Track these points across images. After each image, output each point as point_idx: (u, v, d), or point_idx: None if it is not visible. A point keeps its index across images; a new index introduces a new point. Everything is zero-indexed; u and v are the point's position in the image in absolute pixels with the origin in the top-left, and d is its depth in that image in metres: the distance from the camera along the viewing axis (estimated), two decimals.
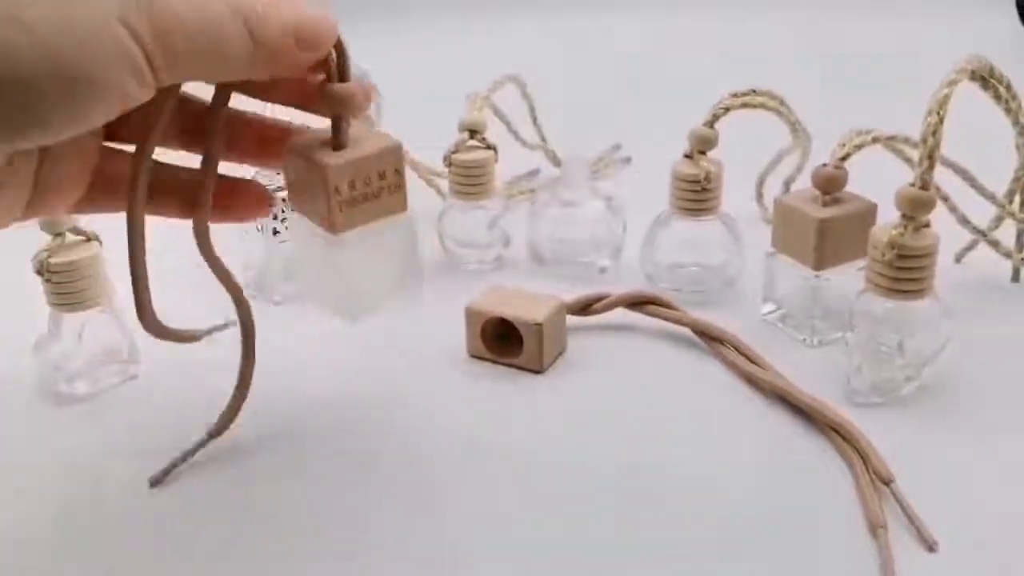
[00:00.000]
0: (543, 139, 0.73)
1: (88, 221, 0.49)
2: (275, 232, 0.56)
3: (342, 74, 0.37)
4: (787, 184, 0.66)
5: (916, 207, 0.44)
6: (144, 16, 0.30)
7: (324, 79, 0.37)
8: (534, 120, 0.71)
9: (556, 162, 0.73)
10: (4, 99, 0.29)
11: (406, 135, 0.67)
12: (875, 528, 0.39)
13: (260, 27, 0.33)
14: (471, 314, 0.51)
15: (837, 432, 0.44)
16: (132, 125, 0.37)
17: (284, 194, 0.53)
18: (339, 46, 0.36)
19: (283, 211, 0.56)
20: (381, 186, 0.40)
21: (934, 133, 0.43)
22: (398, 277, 0.43)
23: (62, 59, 0.29)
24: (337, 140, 0.38)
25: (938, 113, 0.43)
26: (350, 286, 0.42)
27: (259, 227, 0.57)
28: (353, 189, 0.39)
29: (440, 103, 0.68)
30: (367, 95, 0.37)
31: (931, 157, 0.43)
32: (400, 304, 0.44)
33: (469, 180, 0.60)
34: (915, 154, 0.51)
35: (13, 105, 0.29)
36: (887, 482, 0.40)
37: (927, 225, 0.45)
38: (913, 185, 0.44)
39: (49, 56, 0.29)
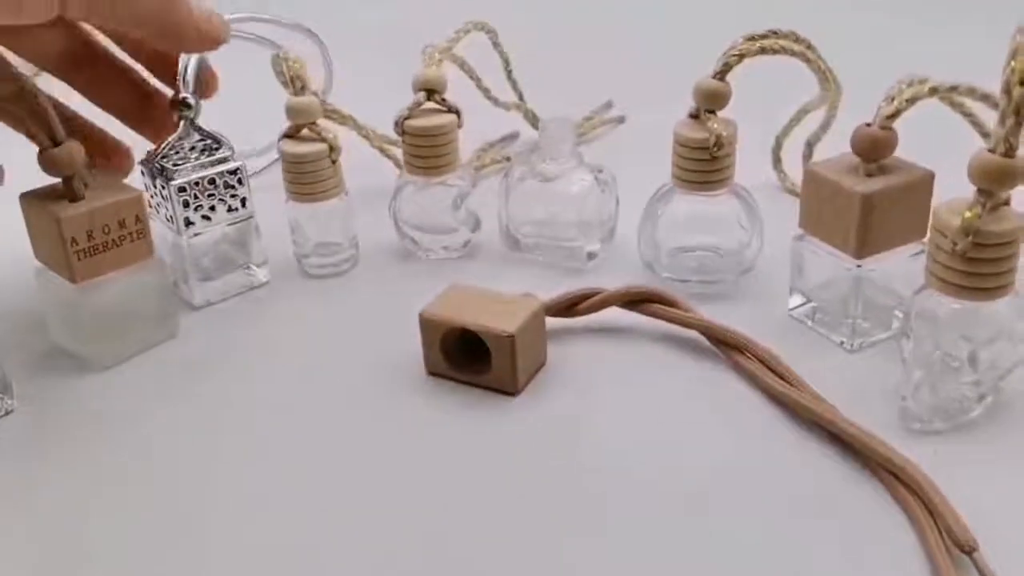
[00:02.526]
0: (520, 97, 0.62)
1: None
2: (188, 223, 0.46)
3: (55, 139, 0.40)
4: (809, 145, 0.56)
5: (998, 179, 0.33)
6: None
7: (40, 149, 0.40)
8: (509, 74, 0.61)
9: (535, 123, 0.62)
10: None
11: (355, 96, 0.58)
12: None
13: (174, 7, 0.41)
14: (427, 323, 0.41)
15: (898, 478, 0.34)
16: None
17: (204, 174, 0.46)
18: (45, 112, 0.39)
19: (197, 197, 0.46)
20: (122, 234, 0.42)
21: (1021, 82, 0.33)
22: (149, 320, 0.44)
23: None
24: (72, 193, 0.41)
25: None
26: (96, 334, 0.43)
27: (168, 217, 0.46)
28: (91, 239, 0.40)
29: (396, 58, 0.58)
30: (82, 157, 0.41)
31: (1018, 113, 0.33)
32: (153, 345, 0.45)
33: (427, 151, 0.49)
34: (979, 108, 0.41)
35: None
36: (969, 551, 0.31)
37: (1007, 202, 0.35)
38: (992, 151, 0.33)
39: None
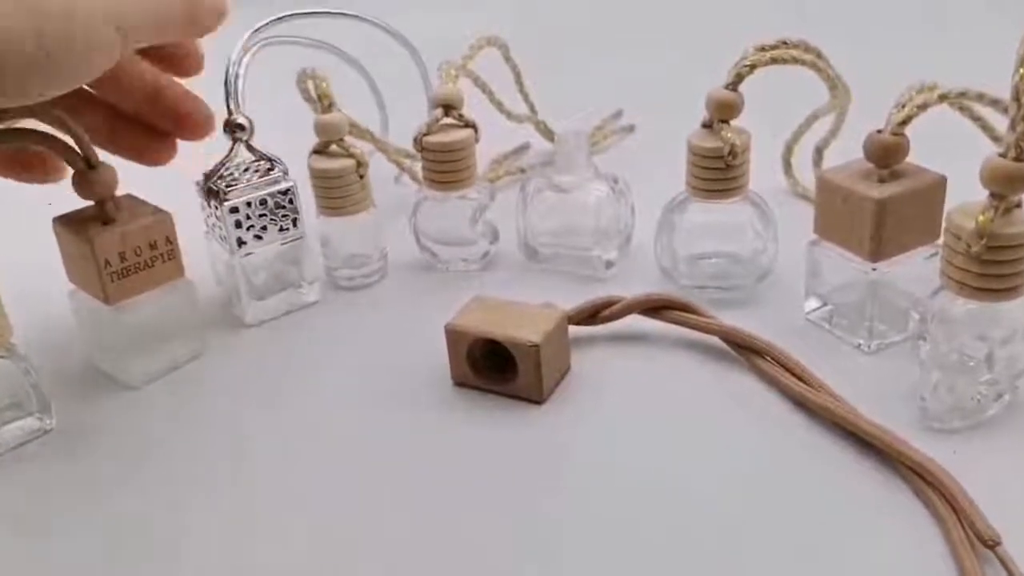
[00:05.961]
0: (532, 109, 0.63)
1: None
2: (240, 243, 0.47)
3: (90, 162, 0.41)
4: (819, 150, 0.56)
5: (1010, 183, 0.34)
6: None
7: (78, 170, 0.41)
8: (520, 88, 0.61)
9: (548, 135, 0.63)
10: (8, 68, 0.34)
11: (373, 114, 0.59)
12: None
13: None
14: (453, 335, 0.42)
15: (920, 476, 0.35)
16: None
17: (257, 195, 0.47)
18: (80, 138, 0.41)
19: (249, 217, 0.46)
20: (154, 256, 0.43)
21: None
22: (179, 339, 0.46)
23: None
24: (104, 216, 0.42)
25: None
26: (129, 353, 0.44)
27: (221, 236, 0.47)
28: (124, 260, 0.41)
29: (413, 73, 0.59)
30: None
31: None
32: (182, 364, 0.46)
33: (445, 166, 0.50)
34: (988, 112, 0.42)
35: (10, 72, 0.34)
36: (992, 545, 0.31)
37: (1019, 205, 0.36)
38: (1003, 155, 0.34)
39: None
